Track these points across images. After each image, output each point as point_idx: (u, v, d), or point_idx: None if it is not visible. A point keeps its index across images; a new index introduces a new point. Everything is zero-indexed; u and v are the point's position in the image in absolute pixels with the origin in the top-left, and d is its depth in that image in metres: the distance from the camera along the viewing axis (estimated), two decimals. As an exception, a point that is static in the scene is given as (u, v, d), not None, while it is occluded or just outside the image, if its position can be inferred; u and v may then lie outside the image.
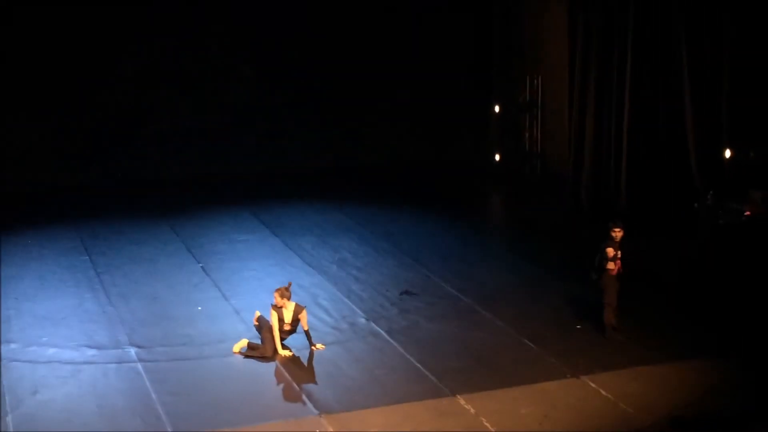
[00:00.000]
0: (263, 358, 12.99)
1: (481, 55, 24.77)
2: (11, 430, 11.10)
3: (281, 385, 12.42)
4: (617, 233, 13.52)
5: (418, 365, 12.80)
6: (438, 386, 12.15)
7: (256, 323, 13.55)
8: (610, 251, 13.43)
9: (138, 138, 23.64)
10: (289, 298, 13.08)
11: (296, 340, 13.33)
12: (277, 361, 12.92)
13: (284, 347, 13.14)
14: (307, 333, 13.23)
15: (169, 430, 11.15)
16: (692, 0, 18.34)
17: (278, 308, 13.06)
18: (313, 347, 13.27)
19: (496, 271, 16.85)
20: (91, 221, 19.91)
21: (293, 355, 13.11)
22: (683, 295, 15.21)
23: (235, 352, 13.20)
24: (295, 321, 13.14)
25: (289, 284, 13.35)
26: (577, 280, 15.92)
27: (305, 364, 12.97)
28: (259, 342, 13.24)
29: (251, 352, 13.13)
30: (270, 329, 13.13)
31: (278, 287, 13.19)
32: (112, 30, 23.03)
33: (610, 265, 13.45)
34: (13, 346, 13.43)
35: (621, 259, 13.47)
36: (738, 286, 15.24)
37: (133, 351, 13.34)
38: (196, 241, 18.57)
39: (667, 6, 18.74)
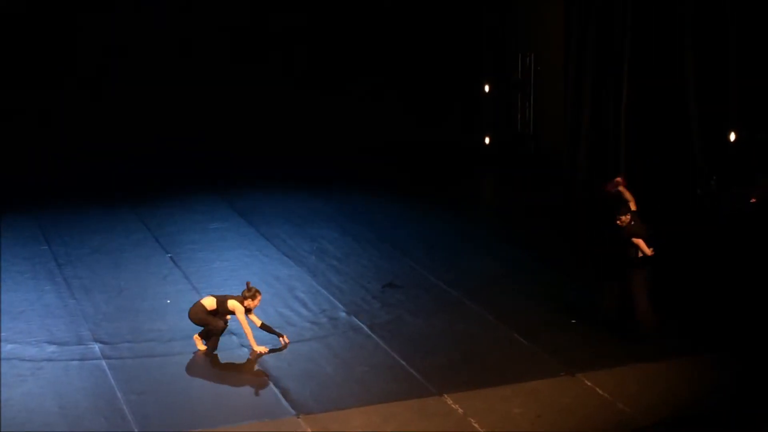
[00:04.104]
0: (215, 329, 13.03)
1: (471, 31, 24.81)
2: (-34, 431, 11.13)
3: (255, 384, 12.45)
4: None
5: (402, 362, 12.84)
6: (423, 385, 12.19)
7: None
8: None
9: (100, 113, 23.70)
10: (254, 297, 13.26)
11: (269, 337, 13.41)
12: (250, 357, 12.97)
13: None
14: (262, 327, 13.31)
15: (136, 431, 11.16)
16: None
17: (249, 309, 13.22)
18: (281, 339, 13.34)
19: (486, 261, 16.89)
20: (52, 207, 19.88)
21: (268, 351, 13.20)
22: (685, 288, 15.29)
23: (202, 350, 13.23)
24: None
25: (248, 284, 13.38)
26: (573, 271, 16.03)
27: (281, 360, 12.99)
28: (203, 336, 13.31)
29: (205, 336, 13.18)
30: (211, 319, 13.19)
31: (249, 295, 13.17)
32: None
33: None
34: (-33, 342, 13.44)
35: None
36: (743, 279, 15.33)
37: (96, 347, 13.34)
38: (164, 229, 18.57)
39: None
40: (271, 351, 13.13)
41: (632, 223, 13.16)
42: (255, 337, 13.15)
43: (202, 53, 24.34)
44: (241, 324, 13.17)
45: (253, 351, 13.07)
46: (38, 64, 23.19)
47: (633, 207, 13.30)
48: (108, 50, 23.68)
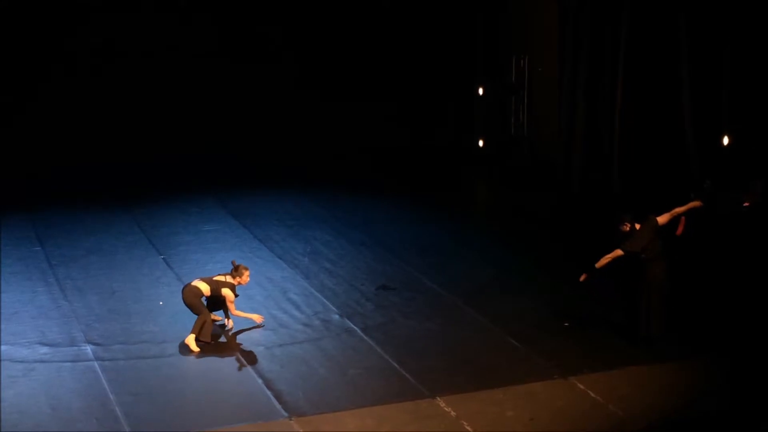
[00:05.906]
0: (204, 324, 13.25)
1: (465, 34, 24.83)
2: (-43, 432, 11.12)
3: (248, 386, 12.44)
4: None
5: (395, 365, 12.85)
6: (416, 387, 12.20)
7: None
8: None
9: (94, 117, 23.68)
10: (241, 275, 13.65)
11: (264, 335, 13.40)
12: (247, 364, 12.97)
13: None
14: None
15: (128, 432, 11.20)
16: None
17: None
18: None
19: (480, 264, 16.90)
20: (46, 208, 19.88)
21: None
22: (677, 291, 15.28)
23: (195, 351, 13.23)
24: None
25: (233, 262, 13.79)
26: (566, 274, 16.01)
27: (274, 363, 12.99)
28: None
29: (202, 333, 13.26)
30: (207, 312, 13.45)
31: (237, 274, 13.57)
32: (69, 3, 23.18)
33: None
34: (-41, 343, 13.44)
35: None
36: (736, 281, 15.35)
37: (89, 349, 13.34)
38: (158, 230, 18.58)
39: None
40: (265, 350, 13.18)
41: (635, 231, 13.18)
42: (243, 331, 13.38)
43: (199, 54, 24.33)
44: (232, 312, 13.61)
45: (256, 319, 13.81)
46: (36, 63, 23.19)
47: (662, 220, 13.31)
48: (106, 50, 23.67)
